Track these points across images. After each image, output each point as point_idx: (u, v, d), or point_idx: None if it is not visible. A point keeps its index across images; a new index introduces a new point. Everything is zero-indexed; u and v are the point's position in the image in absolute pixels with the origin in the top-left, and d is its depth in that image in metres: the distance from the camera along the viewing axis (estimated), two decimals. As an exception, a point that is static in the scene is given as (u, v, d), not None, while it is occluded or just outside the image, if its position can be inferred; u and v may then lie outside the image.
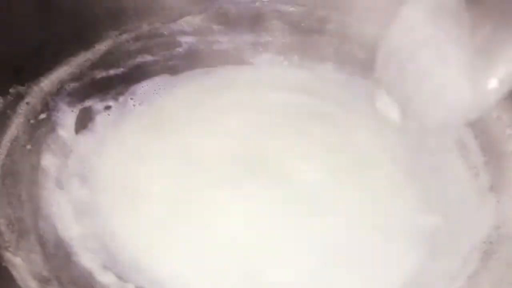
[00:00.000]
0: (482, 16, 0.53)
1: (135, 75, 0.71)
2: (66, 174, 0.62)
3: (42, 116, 0.64)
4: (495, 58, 0.53)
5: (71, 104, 0.67)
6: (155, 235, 0.58)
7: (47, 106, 0.65)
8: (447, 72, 0.55)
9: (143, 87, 0.71)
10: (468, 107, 0.54)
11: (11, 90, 0.63)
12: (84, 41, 0.70)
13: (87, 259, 0.55)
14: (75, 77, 0.68)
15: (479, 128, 0.65)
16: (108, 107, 0.68)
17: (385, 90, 0.60)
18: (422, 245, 0.57)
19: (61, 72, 0.68)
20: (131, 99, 0.70)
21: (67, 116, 0.66)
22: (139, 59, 0.73)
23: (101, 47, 0.71)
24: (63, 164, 0.62)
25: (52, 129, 0.64)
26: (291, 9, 0.77)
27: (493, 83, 0.53)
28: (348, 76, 0.73)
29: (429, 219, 0.60)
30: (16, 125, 0.62)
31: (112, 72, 0.71)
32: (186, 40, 0.75)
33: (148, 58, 0.73)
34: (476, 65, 0.53)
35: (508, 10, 0.52)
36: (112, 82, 0.70)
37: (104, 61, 0.71)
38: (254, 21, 0.77)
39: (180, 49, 0.75)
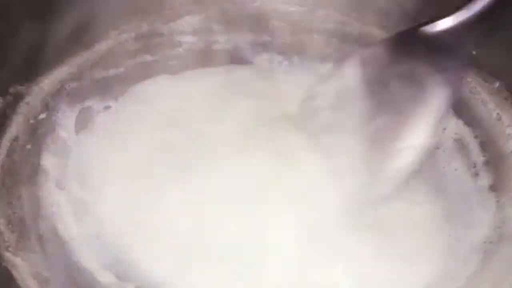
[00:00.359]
0: (381, 105, 0.56)
1: (135, 75, 0.71)
2: (66, 174, 0.62)
3: (42, 116, 0.64)
4: (387, 148, 0.56)
5: (71, 104, 0.66)
6: (154, 235, 0.58)
7: (47, 106, 0.65)
8: (344, 159, 0.57)
9: (143, 87, 0.71)
10: (367, 194, 0.57)
11: (10, 90, 0.63)
12: (84, 41, 0.70)
13: (87, 259, 0.55)
14: (75, 77, 0.68)
15: (479, 128, 0.65)
16: (108, 107, 0.68)
17: None
18: (422, 245, 0.57)
19: (61, 72, 0.68)
20: (131, 99, 0.70)
21: (67, 116, 0.66)
22: (139, 59, 0.72)
23: (101, 47, 0.71)
24: (63, 164, 0.62)
25: (52, 129, 0.64)
26: (291, 9, 0.77)
27: (388, 172, 0.56)
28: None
29: (428, 219, 0.59)
30: (16, 125, 0.62)
31: (112, 72, 0.70)
32: (186, 40, 0.75)
33: (148, 58, 0.73)
34: (370, 155, 0.56)
35: (405, 100, 0.55)
36: (112, 82, 0.70)
37: (104, 61, 0.70)
38: (254, 21, 0.77)
39: (180, 49, 0.75)
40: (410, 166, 0.57)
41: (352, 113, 0.57)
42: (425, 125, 0.56)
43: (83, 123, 0.66)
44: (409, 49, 0.56)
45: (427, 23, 0.57)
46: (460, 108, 0.67)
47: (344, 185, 0.58)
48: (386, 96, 0.56)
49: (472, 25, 0.55)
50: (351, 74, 0.59)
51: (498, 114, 0.64)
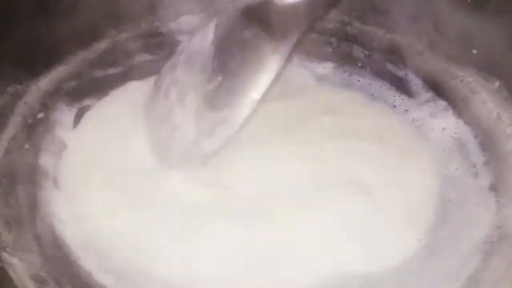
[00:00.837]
0: (219, 67, 0.59)
1: (134, 74, 0.71)
2: (64, 173, 0.61)
3: (40, 115, 0.64)
4: (216, 107, 0.59)
5: (69, 103, 0.66)
6: (153, 235, 0.57)
7: (45, 105, 0.65)
8: (182, 113, 0.60)
9: (141, 87, 0.70)
10: (191, 150, 0.60)
11: (9, 89, 0.63)
12: (82, 40, 0.70)
13: (85, 259, 0.55)
14: (73, 76, 0.68)
15: (479, 127, 0.65)
16: (106, 107, 0.68)
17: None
18: (423, 245, 0.57)
19: (59, 71, 0.68)
20: (130, 98, 0.69)
21: (65, 115, 0.66)
22: (138, 58, 0.72)
23: (100, 46, 0.71)
24: (61, 163, 0.62)
25: (50, 128, 0.64)
26: (291, 8, 0.77)
27: (211, 136, 0.59)
28: (347, 76, 0.73)
29: (429, 218, 0.59)
30: (14, 124, 0.62)
31: (110, 71, 0.70)
32: (185, 39, 0.75)
33: (146, 57, 0.73)
34: (203, 114, 0.59)
35: (239, 65, 0.57)
36: (110, 81, 0.70)
37: (103, 60, 0.70)
38: (254, 20, 0.76)
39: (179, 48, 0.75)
40: (235, 127, 0.59)
41: (197, 71, 0.60)
42: (251, 90, 0.57)
43: (81, 122, 0.66)
44: (255, 17, 0.57)
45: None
46: (460, 107, 0.67)
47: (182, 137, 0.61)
48: (226, 58, 0.59)
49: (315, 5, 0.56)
50: (207, 34, 0.61)
51: (498, 113, 0.64)
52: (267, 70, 0.56)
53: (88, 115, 0.67)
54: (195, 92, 0.60)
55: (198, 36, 0.62)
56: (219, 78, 0.58)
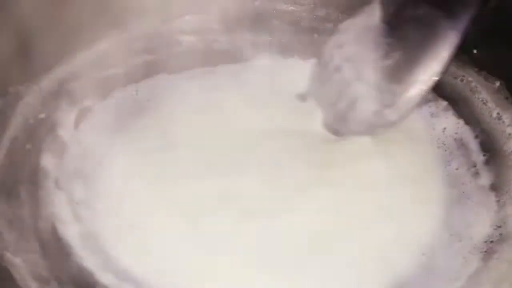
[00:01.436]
0: (396, 43, 0.62)
1: (135, 75, 0.71)
2: (66, 174, 0.61)
3: (42, 115, 0.64)
4: (398, 81, 0.61)
5: (70, 103, 0.66)
6: (154, 235, 0.57)
7: (47, 105, 0.65)
8: (361, 86, 0.63)
9: (143, 87, 0.71)
10: (374, 122, 0.63)
11: (10, 90, 0.63)
12: (83, 40, 0.70)
13: (87, 260, 0.55)
14: (74, 77, 0.68)
15: (480, 127, 0.65)
16: (107, 107, 0.68)
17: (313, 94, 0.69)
18: (423, 245, 0.57)
19: (61, 72, 0.68)
20: (131, 98, 0.70)
21: (67, 116, 0.66)
22: (139, 58, 0.72)
23: (101, 47, 0.71)
24: (63, 164, 0.62)
25: (52, 128, 0.64)
26: (291, 8, 0.77)
27: (395, 103, 0.61)
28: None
29: (429, 218, 0.59)
30: (15, 125, 0.62)
31: (111, 71, 0.70)
32: (186, 39, 0.75)
33: (147, 57, 0.73)
34: (384, 87, 0.62)
35: (417, 41, 0.61)
36: (111, 82, 0.70)
37: (104, 61, 0.70)
38: (254, 20, 0.77)
39: (179, 49, 0.75)
40: (418, 98, 0.61)
41: (371, 48, 0.63)
42: (432, 63, 0.60)
43: (82, 123, 0.66)
44: None
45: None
46: (460, 107, 0.67)
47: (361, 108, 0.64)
48: (401, 35, 0.62)
49: None
50: (374, 13, 0.64)
51: (498, 113, 0.65)
52: (447, 44, 0.59)
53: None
54: (373, 67, 0.63)
55: (363, 16, 0.65)
56: (397, 53, 0.61)
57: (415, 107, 0.62)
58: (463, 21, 0.59)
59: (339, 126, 0.66)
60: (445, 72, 0.61)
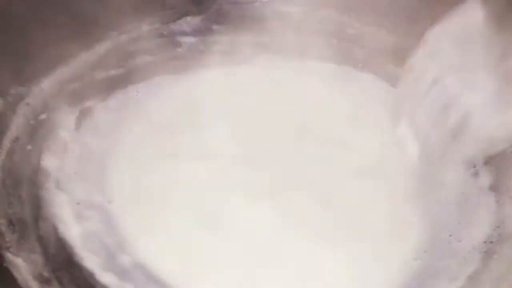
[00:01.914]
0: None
1: (135, 76, 0.71)
2: (67, 174, 0.61)
3: (42, 116, 0.64)
4: None
5: (71, 104, 0.66)
6: (155, 235, 0.58)
7: (47, 106, 0.65)
8: (474, 100, 0.55)
9: (143, 88, 0.71)
10: (493, 138, 0.55)
11: (11, 91, 0.64)
12: (84, 42, 0.70)
13: (88, 260, 0.55)
14: (75, 78, 0.68)
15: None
16: (108, 108, 0.68)
17: (405, 117, 0.61)
18: (423, 245, 0.57)
19: (61, 73, 0.68)
20: (132, 99, 0.70)
21: (67, 117, 0.66)
22: (139, 59, 0.73)
23: (101, 48, 0.71)
24: (63, 164, 0.62)
25: (52, 129, 0.64)
26: (291, 9, 0.77)
27: None
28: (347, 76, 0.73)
29: (428, 219, 0.60)
30: (16, 126, 0.62)
31: (112, 72, 0.71)
32: (186, 40, 0.75)
33: (148, 58, 0.73)
34: (505, 94, 0.53)
35: None
36: (112, 82, 0.70)
37: (104, 62, 0.71)
38: (254, 21, 0.77)
39: (180, 50, 0.75)
40: None
41: (478, 52, 0.56)
42: None
43: (83, 124, 0.66)
44: None
45: None
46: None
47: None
48: None
49: None
50: (470, 15, 0.57)
51: (498, 114, 0.64)
52: None
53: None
54: (487, 72, 0.54)
55: (453, 20, 0.58)
56: None
57: None
58: None
59: (445, 152, 0.59)
60: None
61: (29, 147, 0.62)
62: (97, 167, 0.63)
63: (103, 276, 0.54)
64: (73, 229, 0.57)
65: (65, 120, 0.65)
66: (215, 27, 0.76)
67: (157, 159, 0.64)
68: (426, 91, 0.59)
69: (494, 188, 0.61)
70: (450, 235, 0.58)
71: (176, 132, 0.66)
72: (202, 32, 0.76)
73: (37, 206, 0.58)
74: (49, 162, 0.61)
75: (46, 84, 0.66)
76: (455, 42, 0.57)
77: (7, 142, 0.61)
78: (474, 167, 0.63)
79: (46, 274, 0.53)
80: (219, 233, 0.58)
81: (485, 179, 0.61)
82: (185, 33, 0.75)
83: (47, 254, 0.55)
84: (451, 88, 0.57)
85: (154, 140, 0.66)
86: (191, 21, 0.76)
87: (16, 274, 0.52)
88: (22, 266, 0.52)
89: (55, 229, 0.57)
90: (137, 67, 0.72)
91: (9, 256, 0.53)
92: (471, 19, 0.56)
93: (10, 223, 0.55)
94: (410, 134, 0.60)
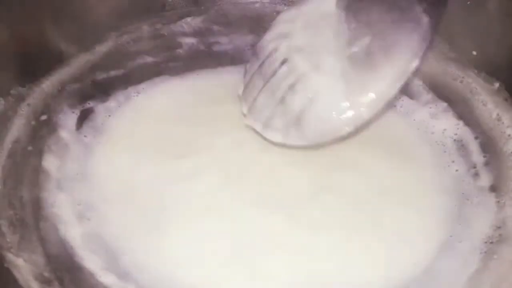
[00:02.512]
0: (362, 29, 0.56)
1: (136, 76, 0.71)
2: (67, 175, 0.62)
3: (43, 117, 0.64)
4: (371, 71, 0.55)
5: (72, 105, 0.67)
6: (156, 236, 0.58)
7: (48, 107, 0.65)
8: (320, 82, 0.56)
9: (144, 88, 0.71)
10: (341, 118, 0.55)
11: (12, 91, 0.64)
12: (84, 43, 0.70)
13: (89, 260, 0.55)
14: (76, 79, 0.68)
15: (479, 128, 0.65)
16: (108, 108, 0.68)
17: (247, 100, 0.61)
18: (424, 246, 0.57)
19: (62, 74, 0.68)
20: (132, 100, 0.70)
21: (68, 117, 0.66)
22: (140, 60, 0.73)
23: (102, 49, 0.71)
24: (64, 165, 0.62)
25: (53, 130, 0.64)
26: (291, 9, 0.77)
27: (367, 97, 0.55)
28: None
29: (428, 219, 0.60)
30: (17, 126, 0.62)
31: (112, 73, 0.71)
32: (187, 41, 0.75)
33: (148, 59, 0.73)
34: (352, 77, 0.55)
35: (388, 25, 0.55)
36: (112, 83, 0.70)
37: (105, 63, 0.71)
38: (254, 22, 0.77)
39: (180, 50, 0.75)
40: (390, 91, 0.56)
41: (328, 36, 0.57)
42: (403, 51, 0.55)
43: (84, 124, 0.66)
44: None
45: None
46: (460, 109, 0.67)
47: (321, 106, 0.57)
48: (367, 20, 0.56)
49: None
50: (322, 1, 0.59)
51: (498, 114, 0.65)
52: (421, 29, 0.54)
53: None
54: (334, 56, 0.56)
55: (308, 4, 0.60)
56: (366, 39, 0.55)
57: (389, 100, 0.56)
58: (437, 5, 0.55)
59: (301, 130, 0.58)
60: (422, 60, 0.55)
61: (30, 147, 0.62)
62: (98, 167, 0.63)
63: (104, 276, 0.54)
64: (74, 230, 0.57)
65: (66, 121, 0.65)
66: (215, 28, 0.76)
67: (157, 159, 0.64)
68: (274, 70, 0.59)
69: (494, 189, 0.61)
70: (451, 236, 0.58)
71: (176, 132, 0.66)
72: (202, 33, 0.76)
73: (38, 206, 0.58)
74: (50, 162, 0.62)
75: (47, 85, 0.66)
76: (306, 25, 0.59)
77: (8, 143, 0.61)
78: (475, 167, 0.63)
79: (47, 274, 0.53)
80: (219, 232, 0.58)
81: (485, 180, 0.62)
82: (185, 34, 0.75)
83: (48, 255, 0.55)
84: (299, 69, 0.57)
85: (154, 140, 0.66)
86: (192, 22, 0.76)
87: (17, 274, 0.52)
88: (23, 266, 0.53)
89: (56, 230, 0.57)
90: (138, 68, 0.72)
91: (10, 256, 0.53)
92: (322, 5, 0.58)
93: (11, 223, 0.56)
94: (254, 117, 0.61)
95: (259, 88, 0.61)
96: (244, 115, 0.63)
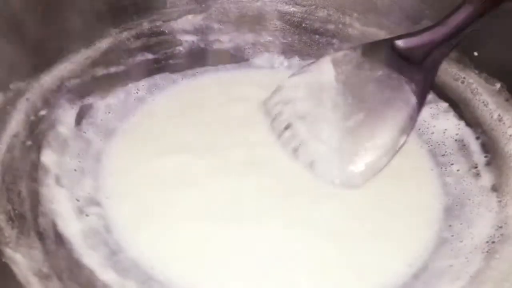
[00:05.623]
0: (357, 104, 0.62)
1: (136, 73, 0.71)
2: (66, 170, 0.61)
3: (42, 112, 0.64)
4: (363, 143, 0.61)
5: (71, 101, 0.66)
6: (155, 232, 0.57)
7: (47, 102, 0.65)
8: (318, 150, 0.62)
9: (144, 85, 0.71)
10: (335, 183, 0.61)
11: (11, 86, 0.63)
12: (84, 38, 0.70)
13: (87, 256, 0.55)
14: (75, 74, 0.68)
15: (481, 129, 0.65)
16: (108, 105, 0.68)
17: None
18: (425, 245, 0.57)
19: (62, 69, 0.67)
20: (131, 97, 0.69)
21: (67, 113, 0.65)
22: (140, 57, 0.73)
23: (102, 45, 0.71)
24: (63, 160, 0.62)
25: (52, 125, 0.64)
26: (292, 9, 0.77)
27: (359, 167, 0.61)
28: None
29: (430, 219, 0.60)
30: (16, 121, 0.62)
31: (112, 69, 0.71)
32: (187, 38, 0.75)
33: (148, 56, 0.73)
34: (347, 147, 0.61)
35: (380, 103, 0.61)
36: (112, 79, 0.70)
37: (105, 59, 0.70)
38: (255, 20, 0.77)
39: (180, 48, 0.75)
40: (380, 163, 0.61)
41: (327, 107, 0.63)
42: (393, 127, 0.61)
43: (83, 120, 0.66)
44: (382, 58, 0.62)
45: (400, 37, 0.63)
46: (461, 109, 0.67)
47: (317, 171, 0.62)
48: (362, 96, 0.62)
49: (440, 44, 0.62)
50: (323, 71, 0.64)
51: (499, 115, 0.65)
52: (410, 109, 0.61)
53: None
54: (332, 127, 0.62)
55: (310, 72, 0.65)
56: (360, 115, 0.61)
57: (379, 171, 0.61)
58: (424, 86, 0.61)
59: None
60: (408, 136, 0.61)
61: (29, 142, 0.61)
62: (97, 163, 0.63)
63: (102, 272, 0.54)
64: (73, 225, 0.57)
65: (65, 116, 0.65)
66: (216, 26, 0.76)
67: (156, 156, 0.64)
68: (279, 134, 0.65)
69: (496, 189, 0.61)
70: (452, 235, 0.58)
71: (176, 129, 0.66)
72: (203, 30, 0.76)
73: (37, 202, 0.58)
74: (49, 158, 0.61)
75: (47, 80, 0.66)
76: (308, 93, 0.64)
77: (7, 138, 0.60)
78: (476, 167, 0.63)
79: (45, 270, 0.53)
80: (219, 232, 0.58)
81: (487, 179, 0.62)
82: (186, 32, 0.75)
83: (46, 250, 0.54)
84: (300, 135, 0.63)
85: (154, 137, 0.66)
86: (193, 20, 0.76)
87: (15, 269, 0.51)
88: (21, 261, 0.52)
89: (54, 225, 0.57)
90: (138, 64, 0.72)
91: (8, 251, 0.52)
92: (323, 76, 0.64)
93: (10, 218, 0.55)
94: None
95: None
96: None
